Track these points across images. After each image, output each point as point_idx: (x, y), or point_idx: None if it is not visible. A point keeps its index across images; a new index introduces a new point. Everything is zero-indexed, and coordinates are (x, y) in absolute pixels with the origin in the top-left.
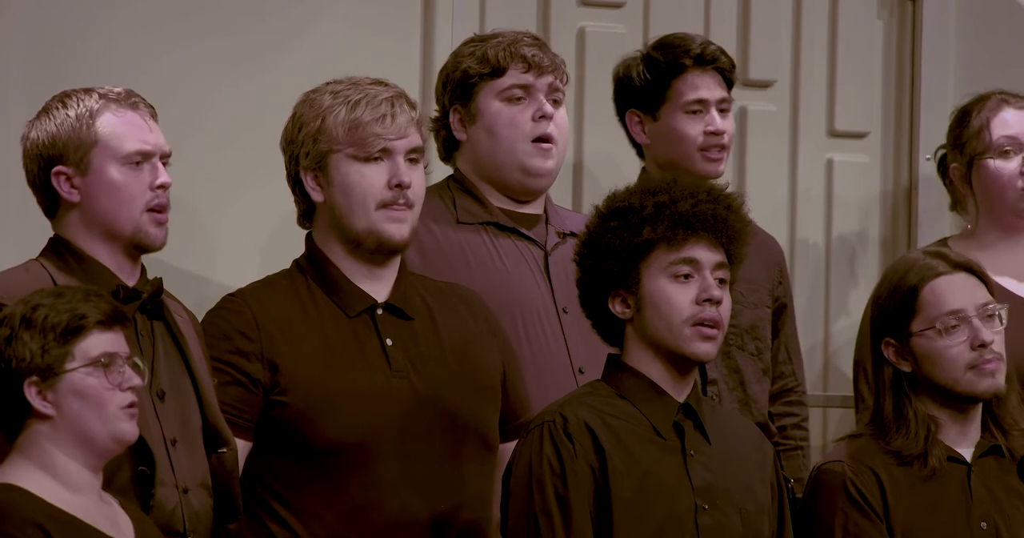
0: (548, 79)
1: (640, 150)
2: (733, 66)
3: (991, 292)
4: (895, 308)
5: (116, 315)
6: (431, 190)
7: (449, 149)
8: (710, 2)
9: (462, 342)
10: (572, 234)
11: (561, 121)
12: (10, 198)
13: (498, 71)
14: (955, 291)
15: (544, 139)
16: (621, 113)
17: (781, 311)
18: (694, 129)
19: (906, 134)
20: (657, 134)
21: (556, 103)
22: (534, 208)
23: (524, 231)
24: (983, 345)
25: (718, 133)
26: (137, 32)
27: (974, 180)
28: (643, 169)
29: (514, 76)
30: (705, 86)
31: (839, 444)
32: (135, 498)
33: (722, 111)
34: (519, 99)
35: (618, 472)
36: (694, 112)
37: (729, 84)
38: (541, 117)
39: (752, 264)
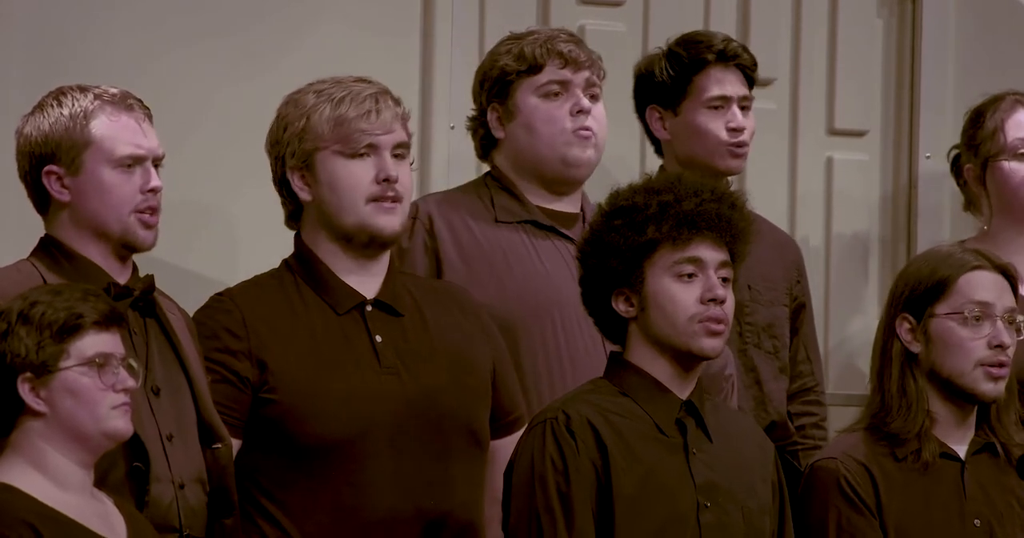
0: (585, 74)
1: (659, 147)
2: (755, 64)
3: (1017, 302)
4: (923, 288)
5: (113, 316)
6: (468, 188)
7: (487, 148)
8: (710, 0)
9: (453, 339)
10: None
11: (599, 115)
12: (10, 198)
13: (535, 68)
14: (988, 286)
15: (583, 130)
16: (641, 109)
17: (800, 310)
18: (715, 124)
19: (906, 132)
20: (677, 130)
21: (593, 98)
22: (571, 205)
23: (562, 230)
24: (1001, 346)
25: (739, 129)
26: (137, 32)
27: (988, 181)
28: (661, 167)
29: (551, 72)
30: (728, 82)
31: (834, 440)
32: (130, 494)
33: (743, 108)
34: (556, 94)
35: (620, 469)
36: (715, 108)
37: (750, 82)
38: (579, 112)
39: (770, 262)
